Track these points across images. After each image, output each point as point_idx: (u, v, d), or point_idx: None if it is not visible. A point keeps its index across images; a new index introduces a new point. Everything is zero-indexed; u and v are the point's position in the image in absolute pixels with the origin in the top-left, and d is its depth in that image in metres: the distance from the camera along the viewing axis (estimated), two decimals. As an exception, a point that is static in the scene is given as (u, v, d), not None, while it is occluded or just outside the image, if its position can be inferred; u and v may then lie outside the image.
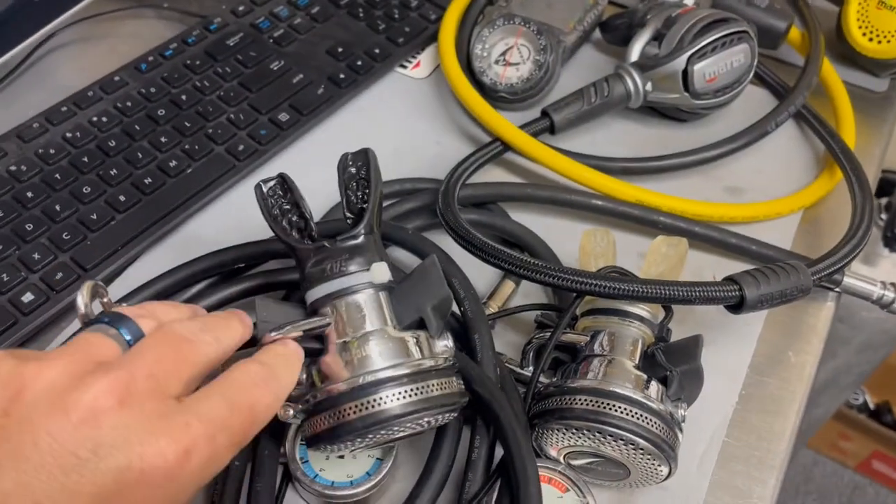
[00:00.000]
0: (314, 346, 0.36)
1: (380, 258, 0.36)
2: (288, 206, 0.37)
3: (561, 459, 0.40)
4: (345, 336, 0.35)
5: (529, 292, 0.49)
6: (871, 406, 1.26)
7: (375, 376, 0.34)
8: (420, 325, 0.36)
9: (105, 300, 0.31)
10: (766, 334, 0.48)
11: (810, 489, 1.32)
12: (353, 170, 0.38)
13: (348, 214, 0.37)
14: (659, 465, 0.37)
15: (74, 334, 0.43)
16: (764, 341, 0.48)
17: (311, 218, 0.37)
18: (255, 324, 0.34)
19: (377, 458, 0.40)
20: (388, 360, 0.34)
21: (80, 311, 0.30)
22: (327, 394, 0.34)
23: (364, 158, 0.38)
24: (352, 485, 0.39)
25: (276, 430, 0.40)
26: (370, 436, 0.34)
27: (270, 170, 0.54)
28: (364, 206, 0.37)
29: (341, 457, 0.40)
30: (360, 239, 0.36)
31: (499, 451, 0.39)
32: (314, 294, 0.36)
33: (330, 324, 0.35)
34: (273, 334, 0.35)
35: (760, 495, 0.42)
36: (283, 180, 0.37)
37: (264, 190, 0.37)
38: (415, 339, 0.35)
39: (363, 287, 0.35)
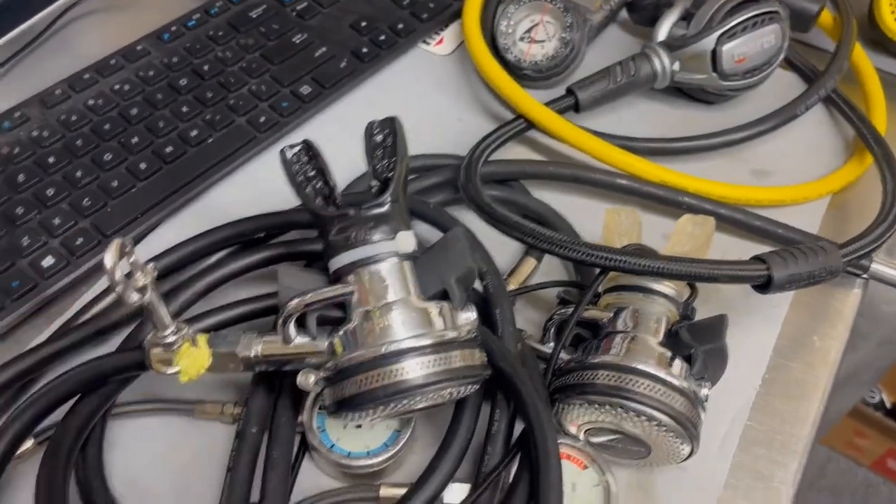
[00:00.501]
0: (336, 315, 0.36)
1: (405, 227, 0.36)
2: (312, 173, 0.37)
3: (580, 436, 0.39)
4: (367, 305, 0.34)
5: (550, 271, 0.48)
6: (888, 405, 1.24)
7: (398, 346, 0.33)
8: (443, 296, 0.36)
9: (132, 259, 0.31)
10: (791, 318, 0.47)
11: (823, 486, 1.31)
12: (378, 138, 0.37)
13: (373, 183, 0.37)
14: (681, 444, 0.37)
15: (100, 295, 0.43)
16: (789, 325, 0.47)
17: (335, 185, 0.37)
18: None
19: (395, 430, 0.40)
20: (410, 329, 0.34)
21: (107, 269, 0.29)
22: (349, 362, 0.34)
23: (391, 127, 0.37)
24: (368, 455, 0.39)
25: (294, 399, 0.40)
26: (392, 405, 0.33)
27: (291, 142, 0.54)
28: (390, 174, 0.36)
29: (359, 427, 0.40)
30: (386, 207, 0.35)
31: (518, 428, 0.38)
32: (338, 262, 0.35)
33: (353, 292, 0.35)
34: (294, 302, 0.34)
35: (782, 479, 0.41)
36: (308, 146, 0.37)
37: (289, 155, 0.37)
38: (438, 310, 0.35)
39: (387, 256, 0.35)
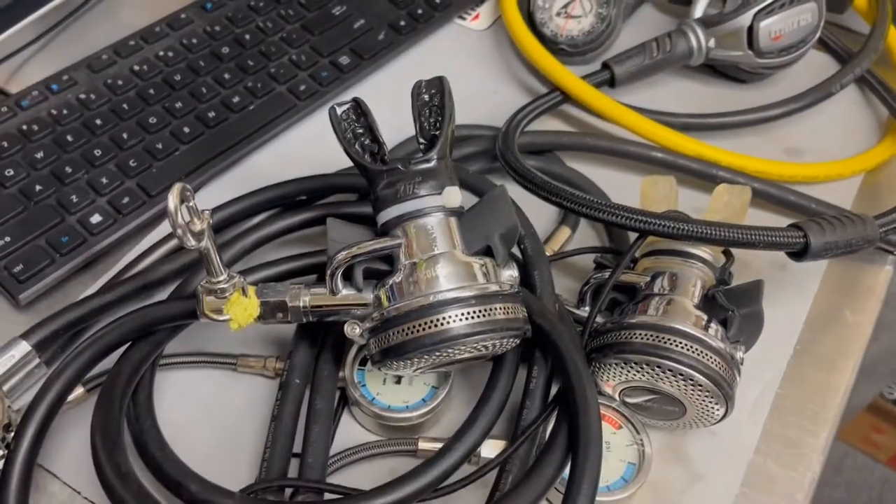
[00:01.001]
0: (381, 268, 0.36)
1: (452, 183, 0.36)
2: (361, 130, 0.38)
3: (616, 396, 0.40)
4: (414, 257, 0.35)
5: (584, 241, 0.49)
6: (907, 399, 1.24)
7: (443, 296, 0.34)
8: (486, 253, 0.37)
9: (191, 204, 0.32)
10: (822, 293, 0.47)
11: (839, 481, 1.31)
12: (426, 97, 0.38)
13: (421, 140, 0.38)
14: (715, 404, 0.37)
15: (145, 254, 0.44)
16: (820, 300, 0.47)
17: (383, 142, 0.37)
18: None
19: (432, 387, 0.41)
20: (456, 282, 0.35)
21: (170, 210, 0.30)
22: (396, 311, 0.35)
23: (438, 86, 0.38)
24: (407, 409, 0.40)
25: (335, 354, 0.41)
26: (436, 354, 0.34)
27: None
28: (437, 132, 0.37)
29: (397, 383, 0.41)
30: (433, 163, 0.36)
31: (553, 391, 0.39)
32: (385, 215, 0.36)
33: (401, 245, 0.35)
34: (342, 254, 0.35)
35: (813, 447, 0.42)
36: (358, 104, 0.38)
37: (338, 113, 0.38)
38: (481, 265, 0.36)
39: (434, 210, 0.36)
